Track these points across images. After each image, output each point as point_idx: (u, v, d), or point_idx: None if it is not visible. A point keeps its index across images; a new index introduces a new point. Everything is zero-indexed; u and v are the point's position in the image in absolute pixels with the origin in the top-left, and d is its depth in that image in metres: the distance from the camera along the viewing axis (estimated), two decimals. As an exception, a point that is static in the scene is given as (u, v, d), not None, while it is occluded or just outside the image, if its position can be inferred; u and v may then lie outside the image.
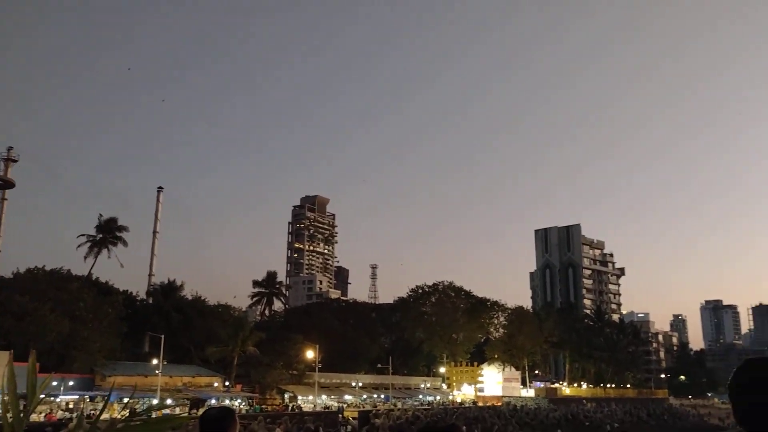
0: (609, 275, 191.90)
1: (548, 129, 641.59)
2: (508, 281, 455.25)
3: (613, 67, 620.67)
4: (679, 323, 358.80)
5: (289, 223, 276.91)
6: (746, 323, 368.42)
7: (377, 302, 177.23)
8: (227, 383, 69.45)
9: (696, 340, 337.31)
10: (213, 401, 59.12)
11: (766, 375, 2.77)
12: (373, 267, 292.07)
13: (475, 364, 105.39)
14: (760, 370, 2.80)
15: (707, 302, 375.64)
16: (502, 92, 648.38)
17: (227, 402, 60.27)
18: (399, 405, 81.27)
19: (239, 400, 66.02)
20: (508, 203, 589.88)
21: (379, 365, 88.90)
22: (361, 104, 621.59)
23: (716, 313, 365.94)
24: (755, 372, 2.80)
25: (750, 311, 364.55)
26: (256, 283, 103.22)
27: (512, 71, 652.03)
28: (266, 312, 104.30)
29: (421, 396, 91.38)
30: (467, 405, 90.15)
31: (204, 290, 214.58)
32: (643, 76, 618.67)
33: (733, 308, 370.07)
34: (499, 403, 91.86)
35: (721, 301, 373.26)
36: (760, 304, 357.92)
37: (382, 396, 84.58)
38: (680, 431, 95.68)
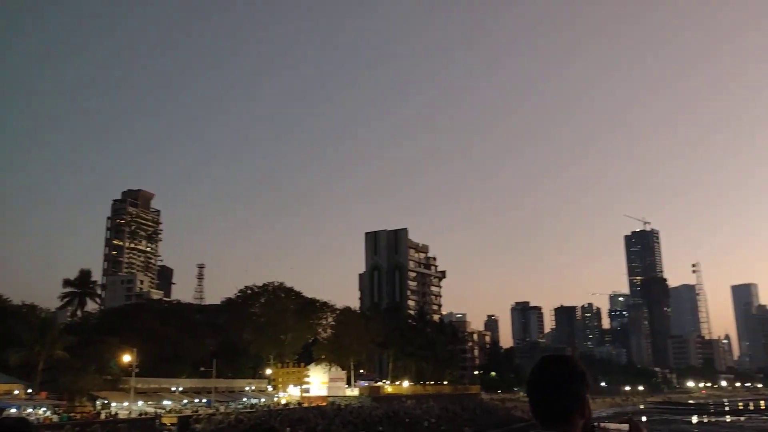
0: (431, 278, 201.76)
1: (378, 136, 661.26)
2: (340, 282, 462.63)
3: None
4: (492, 323, 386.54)
5: (108, 218, 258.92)
6: (549, 323, 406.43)
7: (204, 303, 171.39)
8: (30, 390, 63.36)
9: (506, 339, 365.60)
10: (12, 410, 53.80)
11: (555, 371, 3.05)
12: (201, 267, 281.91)
13: (302, 364, 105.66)
14: (550, 367, 3.07)
15: (517, 304, 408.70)
16: (339, 99, 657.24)
17: (30, 411, 55.43)
18: (221, 409, 79.16)
19: (44, 408, 60.51)
20: (340, 206, 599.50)
21: (202, 368, 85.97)
22: (199, 101, 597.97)
23: (524, 313, 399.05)
24: (546, 369, 3.07)
25: (552, 312, 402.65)
26: (67, 283, 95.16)
27: (350, 79, 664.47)
28: (78, 313, 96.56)
29: (245, 399, 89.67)
30: (292, 406, 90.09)
31: (6, 290, 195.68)
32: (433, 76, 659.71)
33: (538, 309, 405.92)
34: (324, 403, 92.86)
35: (528, 303, 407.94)
36: (561, 306, 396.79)
37: (204, 400, 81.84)
38: (489, 424, 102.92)
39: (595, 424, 3.09)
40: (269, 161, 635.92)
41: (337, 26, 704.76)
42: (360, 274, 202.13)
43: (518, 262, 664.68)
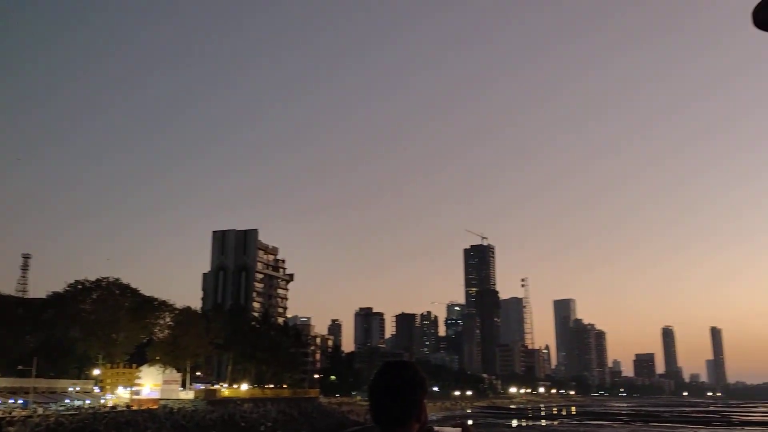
0: (279, 280, 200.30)
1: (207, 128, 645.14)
2: (182, 281, 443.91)
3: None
4: (336, 327, 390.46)
5: None
6: (390, 329, 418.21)
7: (27, 296, 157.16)
8: None
9: (349, 344, 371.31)
10: None
11: (396, 377, 3.17)
12: (26, 257, 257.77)
13: (135, 366, 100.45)
14: (391, 373, 3.19)
15: (361, 309, 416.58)
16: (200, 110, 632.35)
17: None
18: (40, 411, 73.28)
19: None
20: (190, 204, 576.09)
21: (20, 367, 79.10)
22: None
23: (367, 319, 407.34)
24: (387, 374, 3.18)
25: (394, 318, 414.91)
26: None
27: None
28: None
29: (68, 400, 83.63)
30: (120, 409, 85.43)
31: None
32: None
33: (380, 315, 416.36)
34: (155, 407, 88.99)
35: (371, 308, 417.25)
36: (402, 313, 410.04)
37: (21, 401, 75.33)
38: (326, 427, 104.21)
39: (430, 427, 3.26)
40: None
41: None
42: (204, 274, 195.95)
43: (366, 270, 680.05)
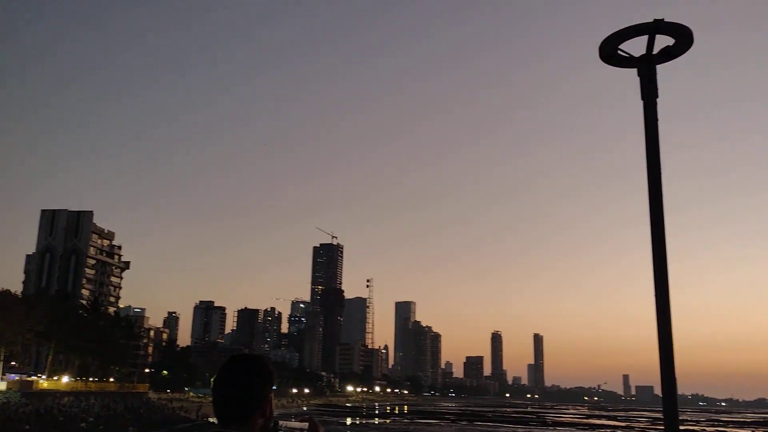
0: (113, 267, 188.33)
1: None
2: (2, 262, 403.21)
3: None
4: (172, 320, 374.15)
5: None
6: (231, 324, 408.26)
7: None
8: None
9: (186, 338, 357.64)
10: None
11: (242, 371, 3.14)
12: None
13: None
14: (238, 366, 3.16)
15: (201, 302, 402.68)
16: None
17: None
18: None
19: None
20: (15, 178, 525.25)
21: None
22: None
23: (207, 312, 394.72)
24: (234, 368, 3.15)
25: (235, 313, 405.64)
26: None
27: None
28: None
29: None
30: None
31: None
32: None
33: (222, 309, 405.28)
34: (-42, 399, 80.00)
35: (213, 302, 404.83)
36: (245, 308, 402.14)
37: None
38: (154, 424, 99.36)
39: (276, 421, 3.29)
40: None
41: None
42: (28, 255, 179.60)
43: (210, 263, 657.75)
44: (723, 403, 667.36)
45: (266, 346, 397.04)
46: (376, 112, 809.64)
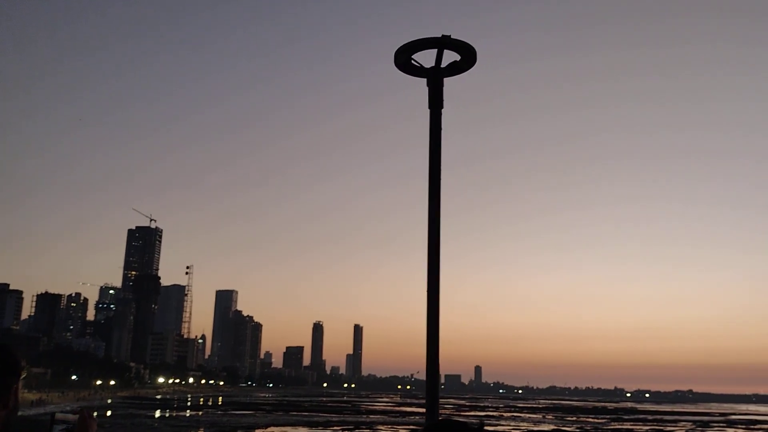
0: None
1: None
2: None
3: None
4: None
5: None
6: (29, 309, 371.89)
7: None
8: None
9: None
10: None
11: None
12: None
13: None
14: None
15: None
16: None
17: None
18: None
19: None
20: None
21: None
22: None
23: (0, 296, 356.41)
24: None
25: (34, 298, 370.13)
26: None
27: None
28: None
29: None
30: None
31: None
32: None
33: (18, 293, 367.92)
34: None
35: (8, 284, 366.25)
36: (46, 293, 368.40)
37: None
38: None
39: (54, 413, 3.29)
40: None
41: None
42: None
43: (5, 241, 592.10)
44: (520, 391, 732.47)
45: (68, 334, 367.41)
46: (201, 95, 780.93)
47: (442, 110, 6.04)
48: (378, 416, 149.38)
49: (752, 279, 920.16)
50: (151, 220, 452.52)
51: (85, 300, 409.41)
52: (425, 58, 6.25)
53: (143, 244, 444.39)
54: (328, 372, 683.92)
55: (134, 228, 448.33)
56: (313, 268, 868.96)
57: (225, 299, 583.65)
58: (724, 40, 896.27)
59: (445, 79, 6.12)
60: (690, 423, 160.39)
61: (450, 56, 6.24)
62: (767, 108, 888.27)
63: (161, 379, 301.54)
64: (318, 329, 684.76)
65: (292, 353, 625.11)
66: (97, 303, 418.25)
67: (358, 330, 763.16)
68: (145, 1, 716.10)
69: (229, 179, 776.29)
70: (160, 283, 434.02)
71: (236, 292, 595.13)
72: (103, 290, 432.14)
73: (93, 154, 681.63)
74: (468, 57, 6.27)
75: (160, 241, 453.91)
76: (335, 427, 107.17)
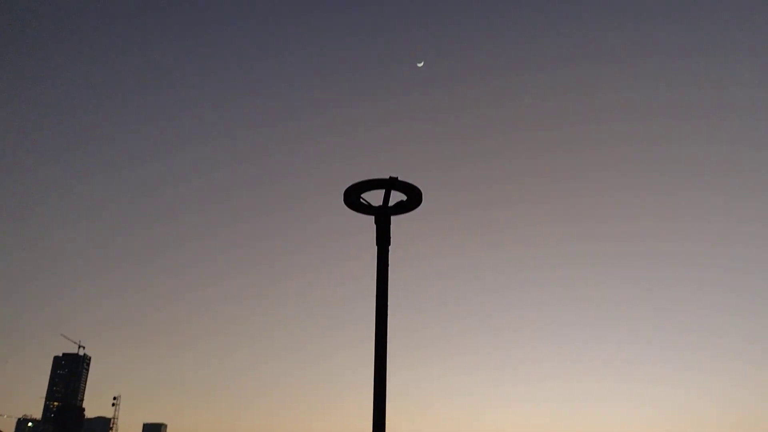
0: None
1: None
2: None
3: None
4: None
5: None
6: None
7: None
8: None
9: None
10: None
11: None
12: None
13: None
14: None
15: None
16: None
17: None
18: None
19: None
20: None
21: None
22: None
23: None
24: None
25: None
26: None
27: None
28: None
29: None
30: None
31: None
32: None
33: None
34: None
35: None
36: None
37: None
38: None
39: None
40: None
41: None
42: None
43: None
44: None
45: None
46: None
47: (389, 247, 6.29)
48: None
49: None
50: (79, 346, 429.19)
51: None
52: (373, 197, 6.58)
53: (69, 372, 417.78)
54: None
55: (61, 355, 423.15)
56: (249, 405, 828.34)
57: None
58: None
59: (392, 217, 6.43)
60: None
61: (398, 196, 6.57)
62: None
63: None
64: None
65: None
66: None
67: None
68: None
69: (163, 310, 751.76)
70: (83, 415, 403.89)
71: (165, 426, 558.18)
72: (21, 422, 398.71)
73: (20, 279, 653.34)
74: (414, 198, 6.61)
75: (87, 369, 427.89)
76: None
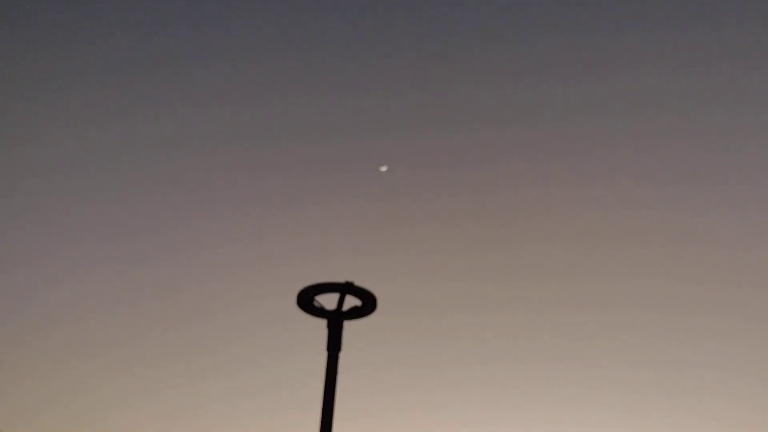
0: None
1: None
2: None
3: None
4: None
5: None
6: None
7: None
8: None
9: None
10: None
11: None
12: None
13: None
14: None
15: None
16: None
17: None
18: None
19: None
20: None
21: None
22: None
23: None
24: None
25: None
26: None
27: None
28: None
29: None
30: None
31: None
32: None
33: None
34: None
35: None
36: None
37: None
38: None
39: None
40: None
41: None
42: None
43: None
44: None
45: None
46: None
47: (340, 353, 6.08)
48: None
49: None
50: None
51: None
52: (327, 300, 6.42)
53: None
54: None
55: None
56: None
57: None
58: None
59: (345, 322, 6.24)
60: None
61: (352, 301, 6.43)
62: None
63: None
64: None
65: None
66: None
67: None
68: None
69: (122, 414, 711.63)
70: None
71: None
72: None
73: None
74: (368, 304, 6.47)
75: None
76: None
